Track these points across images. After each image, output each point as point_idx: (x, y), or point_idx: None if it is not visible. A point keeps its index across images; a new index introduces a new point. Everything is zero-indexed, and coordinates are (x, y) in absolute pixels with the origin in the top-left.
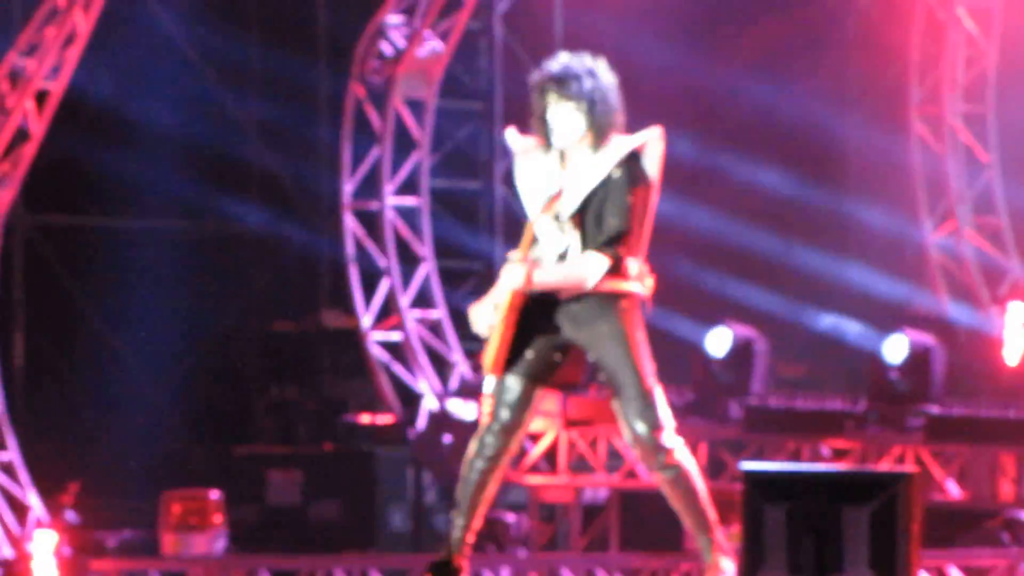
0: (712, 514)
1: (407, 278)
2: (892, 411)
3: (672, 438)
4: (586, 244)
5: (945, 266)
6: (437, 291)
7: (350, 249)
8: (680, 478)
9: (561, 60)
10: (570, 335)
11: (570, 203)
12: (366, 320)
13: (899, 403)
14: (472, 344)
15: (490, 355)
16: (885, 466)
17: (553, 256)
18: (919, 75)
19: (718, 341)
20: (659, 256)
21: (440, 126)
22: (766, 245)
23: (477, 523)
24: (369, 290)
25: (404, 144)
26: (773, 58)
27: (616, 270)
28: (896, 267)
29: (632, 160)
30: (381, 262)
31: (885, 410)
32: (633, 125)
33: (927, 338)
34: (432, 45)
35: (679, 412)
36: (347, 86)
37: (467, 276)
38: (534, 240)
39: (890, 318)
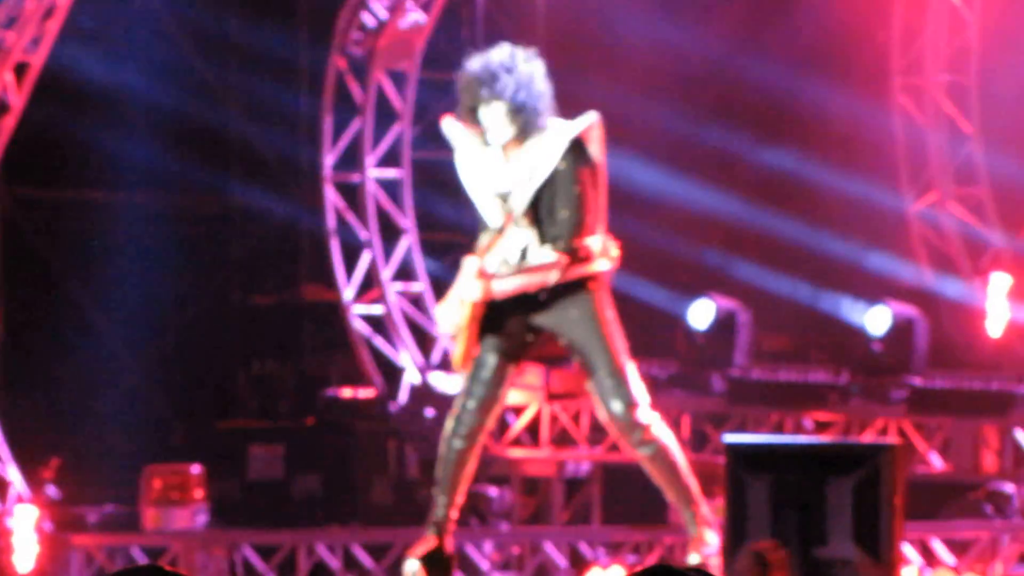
0: (695, 487)
1: (389, 251)
2: (875, 383)
3: (648, 414)
4: (542, 237)
5: (927, 237)
6: (419, 264)
7: (331, 222)
8: (659, 453)
9: (482, 60)
10: (540, 321)
11: (521, 201)
12: (347, 293)
13: (882, 375)
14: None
15: (457, 355)
16: (868, 438)
17: (514, 251)
18: (901, 45)
19: (701, 313)
20: (642, 228)
21: (422, 98)
22: (748, 216)
23: (459, 499)
24: (350, 263)
25: (385, 116)
26: (755, 28)
27: (577, 258)
28: (878, 238)
29: (575, 148)
30: (362, 235)
31: (868, 382)
32: (618, 96)
33: (909, 310)
34: (414, 16)
35: (661, 384)
36: (328, 58)
37: (450, 248)
38: (492, 237)
39: (872, 290)
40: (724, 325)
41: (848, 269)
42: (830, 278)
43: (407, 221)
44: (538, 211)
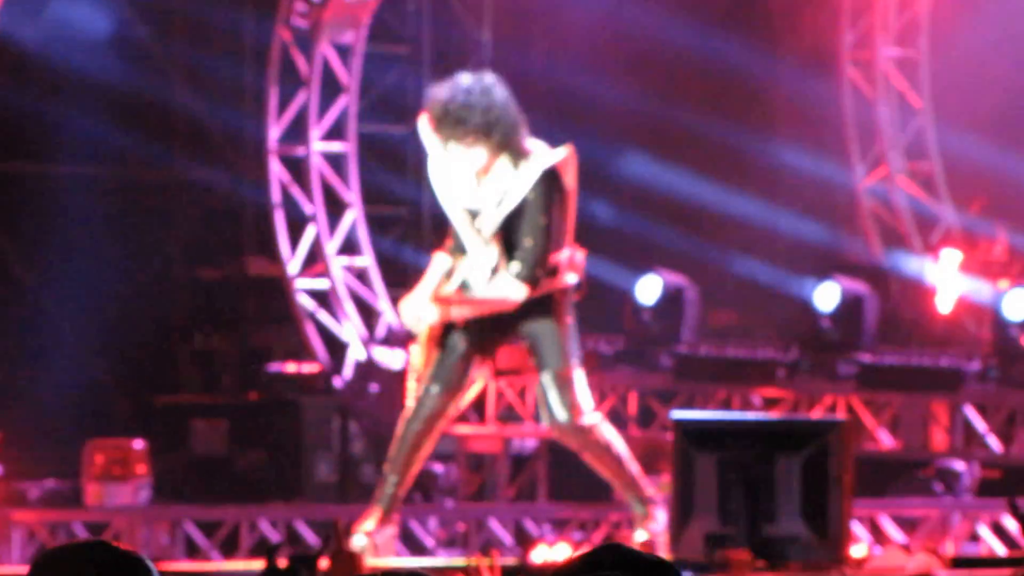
0: (638, 472)
1: (334, 224)
2: (824, 359)
3: (590, 417)
4: (506, 259)
5: (877, 213)
6: (364, 238)
7: (276, 195)
8: (603, 453)
9: (447, 93)
10: (505, 324)
11: (489, 225)
12: (292, 267)
13: (831, 351)
14: (399, 292)
15: (418, 360)
16: (817, 415)
17: (483, 271)
18: (851, 19)
19: (648, 289)
20: (587, 202)
21: (368, 71)
22: (696, 191)
23: (409, 480)
24: (295, 237)
25: (331, 89)
26: (702, 1)
27: (539, 281)
28: (827, 214)
29: (547, 179)
30: (307, 208)
31: (816, 358)
32: (563, 69)
33: (859, 286)
34: None
35: (608, 361)
36: (273, 30)
37: (395, 223)
38: (459, 247)
39: (821, 265)
40: (671, 301)
41: (797, 245)
42: (779, 253)
43: (352, 195)
44: (505, 235)
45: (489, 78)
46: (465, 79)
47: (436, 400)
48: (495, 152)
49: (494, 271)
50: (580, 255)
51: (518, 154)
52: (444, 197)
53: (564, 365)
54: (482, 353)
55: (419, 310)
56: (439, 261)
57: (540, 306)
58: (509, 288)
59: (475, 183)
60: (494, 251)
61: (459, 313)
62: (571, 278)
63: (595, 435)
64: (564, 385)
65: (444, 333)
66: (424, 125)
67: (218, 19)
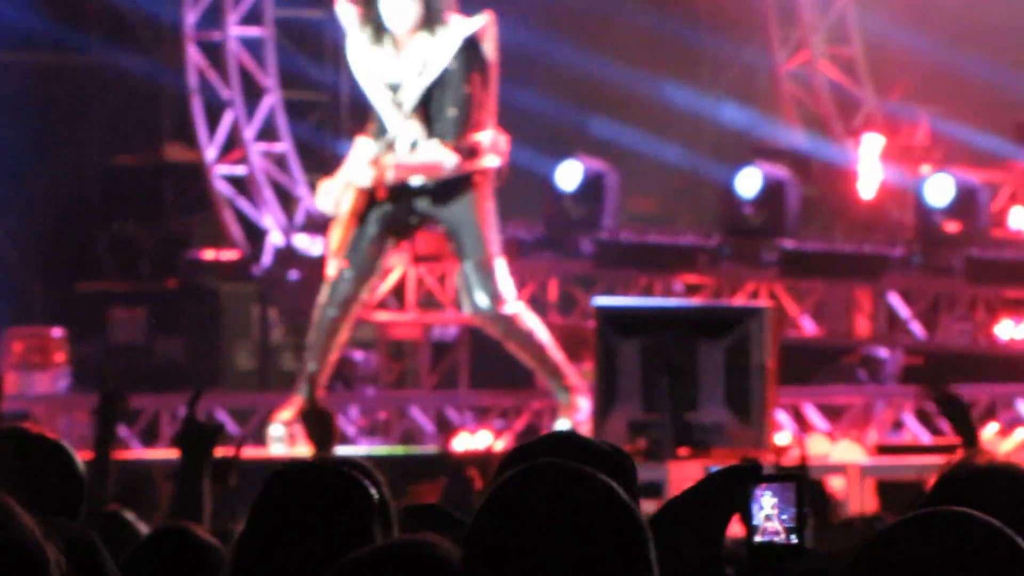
0: (562, 360)
1: (252, 111)
2: (746, 245)
3: (513, 305)
4: (430, 133)
5: (798, 97)
6: (282, 124)
7: (192, 81)
8: (526, 341)
9: None
10: (423, 206)
11: (411, 96)
12: (210, 153)
13: (753, 237)
14: (318, 178)
15: (335, 241)
16: (739, 302)
17: (404, 145)
18: None
19: (568, 174)
20: (508, 87)
21: None
22: (618, 76)
23: (329, 367)
24: (213, 123)
25: None
26: None
27: (465, 154)
28: (749, 98)
29: (468, 48)
30: (225, 94)
31: (739, 244)
32: None
33: (780, 171)
34: None
35: (528, 247)
36: None
37: (313, 107)
38: (381, 129)
39: (742, 150)
40: (592, 187)
41: (718, 130)
42: (700, 139)
43: (270, 80)
44: (428, 108)
45: None
46: None
47: (350, 285)
48: (424, 11)
49: (414, 145)
50: (503, 139)
51: (439, 22)
52: (363, 74)
53: (485, 253)
54: (397, 236)
55: (337, 193)
56: (361, 145)
57: (459, 189)
58: (438, 153)
59: (394, 56)
60: (416, 126)
61: (391, 178)
62: (493, 160)
63: (518, 323)
64: (486, 273)
65: (360, 216)
66: (343, 6)
67: None
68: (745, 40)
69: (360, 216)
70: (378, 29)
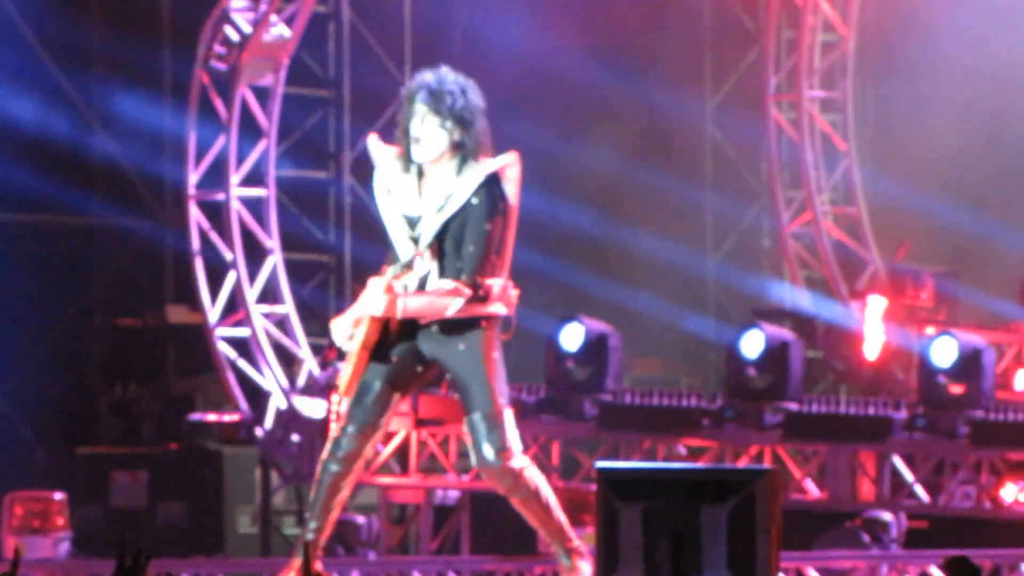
0: (565, 522)
1: (253, 272)
2: (749, 408)
3: (520, 460)
4: (445, 271)
5: (803, 258)
6: (284, 285)
7: (195, 242)
8: (531, 498)
9: (436, 74)
10: (429, 351)
11: (429, 230)
12: (212, 315)
13: (756, 400)
14: (320, 340)
15: (345, 378)
16: (743, 464)
17: (414, 281)
18: (776, 60)
19: (571, 336)
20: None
21: (287, 114)
22: (620, 238)
23: (329, 526)
24: (215, 284)
25: (250, 132)
26: (628, 42)
27: (476, 296)
28: (753, 260)
29: (490, 185)
30: (227, 255)
31: (742, 407)
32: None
33: (784, 333)
34: (278, 31)
35: (531, 409)
36: (192, 73)
37: (315, 270)
38: (396, 263)
39: (746, 312)
40: (595, 349)
41: (722, 291)
42: (704, 300)
43: (272, 241)
44: (444, 243)
45: (473, 85)
46: (459, 75)
47: (353, 440)
48: (451, 150)
49: (425, 281)
50: (514, 292)
51: (467, 161)
52: (383, 204)
53: (493, 404)
54: (401, 389)
55: (350, 328)
56: (376, 282)
57: (465, 335)
58: (445, 298)
59: (416, 189)
60: (429, 263)
61: (404, 306)
62: (500, 308)
63: (524, 479)
64: (494, 425)
65: (371, 351)
66: (374, 141)
67: (136, 61)
68: (749, 200)
69: (371, 351)
70: (407, 162)
